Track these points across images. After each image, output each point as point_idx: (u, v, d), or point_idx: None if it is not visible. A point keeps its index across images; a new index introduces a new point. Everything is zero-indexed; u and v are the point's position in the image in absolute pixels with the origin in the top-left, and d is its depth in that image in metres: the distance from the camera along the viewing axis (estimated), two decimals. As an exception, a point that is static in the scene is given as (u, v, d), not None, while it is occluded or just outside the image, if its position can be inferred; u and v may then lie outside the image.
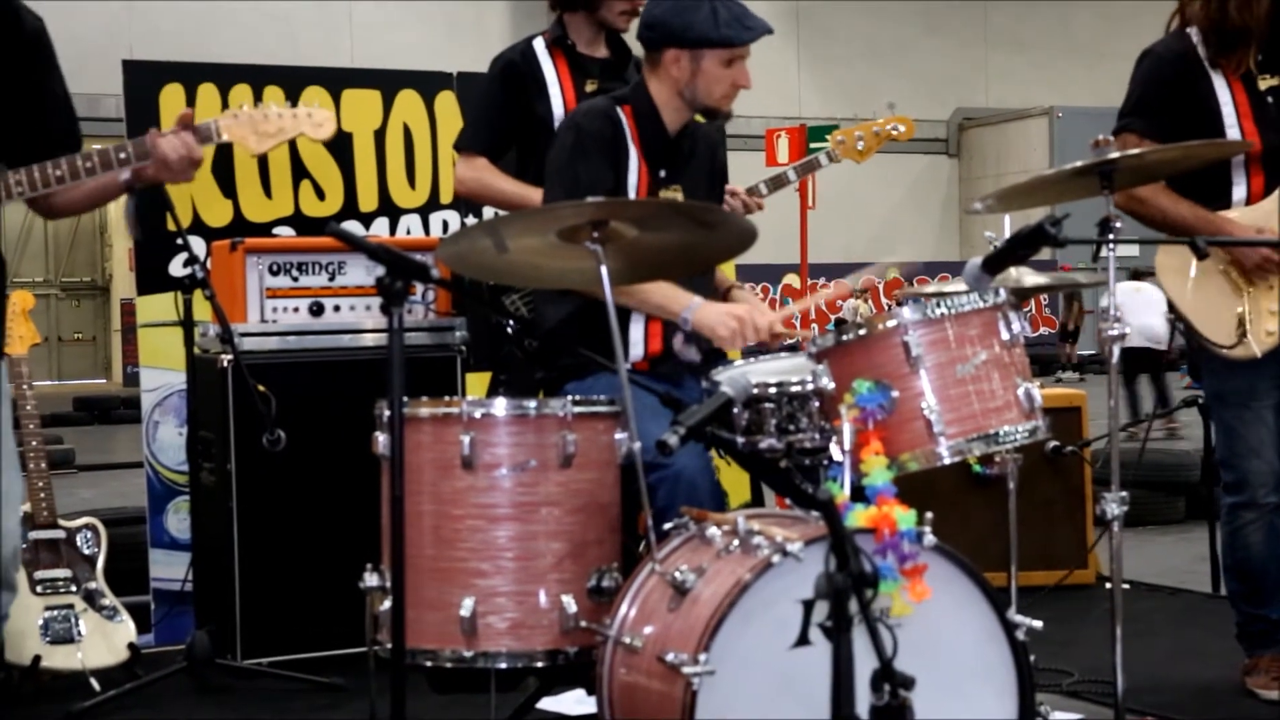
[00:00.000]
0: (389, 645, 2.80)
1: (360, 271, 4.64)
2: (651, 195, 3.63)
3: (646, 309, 3.54)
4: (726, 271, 4.05)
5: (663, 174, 3.68)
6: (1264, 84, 3.92)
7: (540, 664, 2.98)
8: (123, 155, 3.07)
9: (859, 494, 2.77)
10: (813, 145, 12.80)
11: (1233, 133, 3.87)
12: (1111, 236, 3.34)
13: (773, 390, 2.95)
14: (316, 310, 4.62)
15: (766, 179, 4.53)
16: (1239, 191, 3.91)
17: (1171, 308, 4.02)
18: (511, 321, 4.10)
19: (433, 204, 5.37)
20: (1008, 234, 3.37)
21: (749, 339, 3.43)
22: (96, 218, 27.62)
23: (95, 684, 4.19)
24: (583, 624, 2.93)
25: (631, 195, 3.60)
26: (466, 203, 5.22)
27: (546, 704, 3.69)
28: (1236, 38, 3.88)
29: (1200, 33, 3.94)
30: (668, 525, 2.97)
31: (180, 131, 3.12)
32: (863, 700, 2.15)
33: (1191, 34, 3.96)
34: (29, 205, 3.20)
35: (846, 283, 3.71)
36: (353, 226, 5.16)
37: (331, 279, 4.65)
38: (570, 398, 3.03)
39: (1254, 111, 3.89)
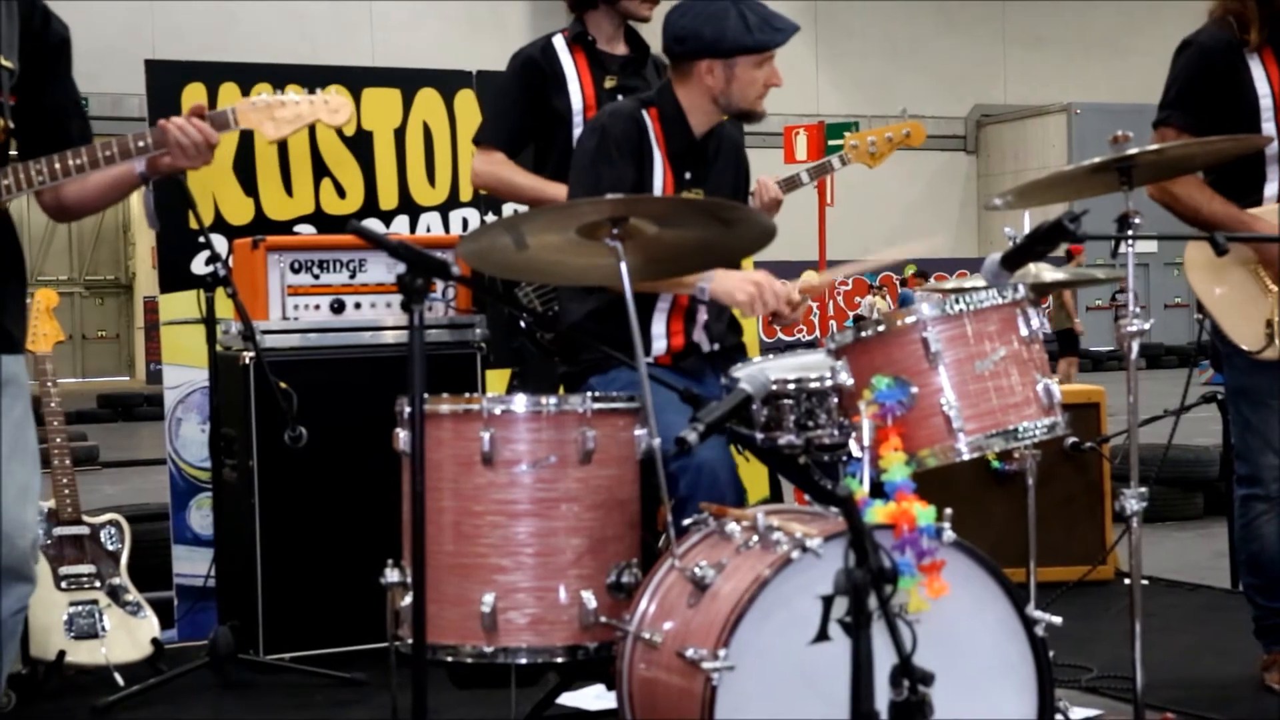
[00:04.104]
0: (410, 641, 2.80)
1: (381, 269, 4.65)
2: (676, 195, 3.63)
3: (665, 287, 3.55)
4: (746, 267, 4.05)
5: (688, 176, 3.68)
6: None
7: (560, 659, 2.97)
8: (141, 144, 3.07)
9: (878, 490, 2.76)
10: (831, 143, 12.78)
11: (1268, 127, 3.84)
12: (1130, 232, 3.32)
13: (792, 386, 2.95)
14: (337, 308, 4.63)
15: (779, 180, 4.52)
16: (1271, 188, 3.88)
17: (1199, 305, 4.00)
18: (524, 314, 4.11)
19: (452, 202, 5.38)
20: (1027, 230, 3.36)
21: (769, 303, 3.43)
22: (119, 216, 27.71)
23: (119, 679, 4.20)
24: (602, 619, 2.93)
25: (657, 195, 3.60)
26: (486, 200, 5.23)
27: (566, 699, 3.70)
28: (1246, 20, 3.85)
29: (1235, 18, 3.90)
30: (687, 521, 2.97)
31: (192, 118, 3.11)
32: (882, 696, 2.14)
33: (1232, 20, 3.91)
34: (42, 207, 3.19)
35: (859, 269, 3.68)
36: (373, 224, 5.17)
37: (352, 276, 4.66)
38: (589, 394, 3.03)
39: None
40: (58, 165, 3.02)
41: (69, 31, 3.16)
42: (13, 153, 3.03)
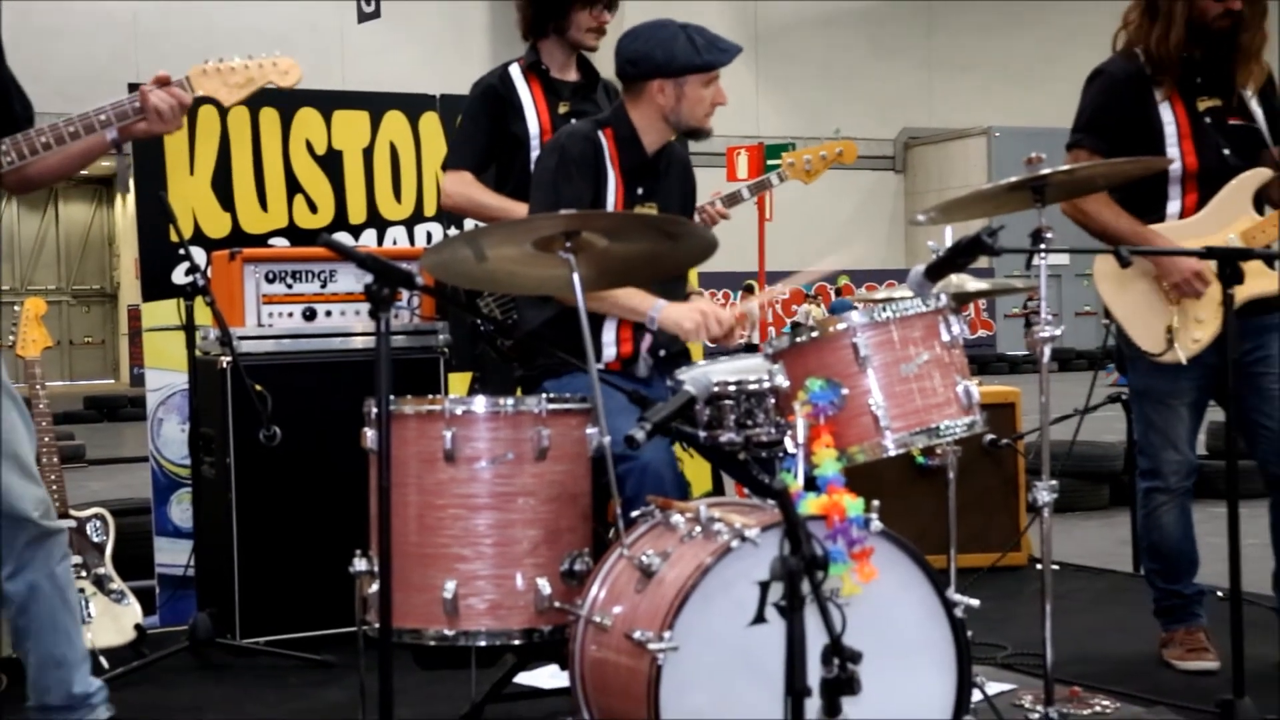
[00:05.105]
0: (377, 625, 2.79)
1: (350, 279, 4.63)
2: (629, 210, 3.63)
3: (617, 311, 3.55)
4: (690, 278, 4.05)
5: (640, 191, 3.68)
6: (1203, 105, 3.93)
7: (517, 642, 2.97)
8: (102, 118, 3.05)
9: (811, 483, 2.77)
10: (770, 162, 12.81)
11: (1172, 151, 3.88)
12: (1043, 246, 3.35)
13: (732, 388, 2.96)
14: (309, 315, 4.60)
15: (722, 196, 4.53)
16: (1173, 206, 3.92)
17: (1106, 312, 4.04)
18: (485, 322, 4.11)
19: (417, 216, 5.36)
20: (948, 244, 3.38)
21: (713, 330, 3.44)
22: (105, 230, 27.43)
23: (104, 662, 4.16)
24: (556, 604, 2.93)
25: (610, 210, 3.60)
26: (449, 215, 5.22)
27: (523, 678, 3.69)
28: (1160, 65, 3.90)
29: (1143, 53, 3.95)
30: (635, 513, 2.98)
31: (166, 88, 3.11)
32: (814, 673, 2.15)
33: (1139, 54, 3.96)
34: (4, 184, 3.14)
35: (795, 282, 3.69)
36: (343, 237, 5.15)
37: (323, 286, 4.64)
38: (544, 395, 3.03)
39: (1193, 132, 3.90)
40: (24, 146, 2.99)
41: None
42: None
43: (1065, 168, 3.47)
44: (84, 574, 4.32)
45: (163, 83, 3.11)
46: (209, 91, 3.18)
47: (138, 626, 4.35)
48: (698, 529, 2.74)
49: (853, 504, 2.64)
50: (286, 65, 3.26)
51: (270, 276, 4.57)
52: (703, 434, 2.97)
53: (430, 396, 3.02)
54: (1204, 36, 3.87)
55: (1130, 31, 3.97)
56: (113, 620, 4.31)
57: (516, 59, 4.39)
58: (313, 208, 5.21)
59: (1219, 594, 4.21)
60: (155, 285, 5.03)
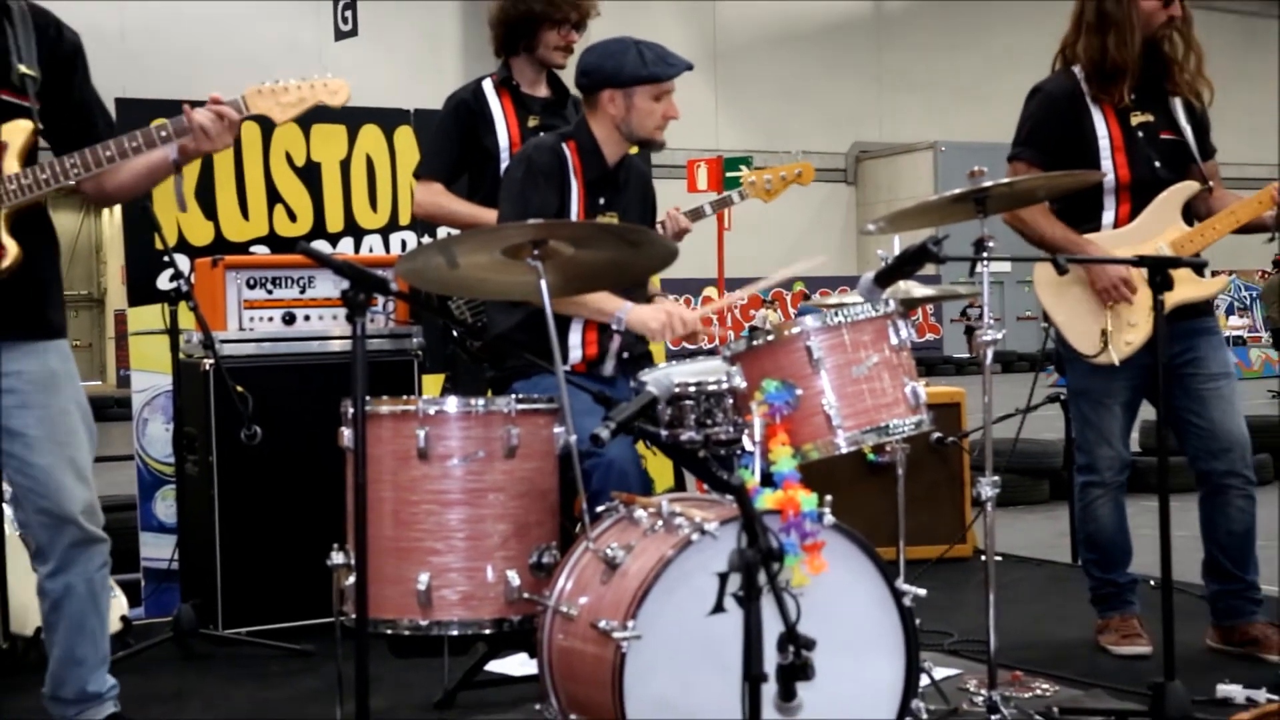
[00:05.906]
0: (353, 616, 2.78)
1: (328, 285, 4.61)
2: (590, 219, 3.64)
3: (585, 313, 3.55)
4: (654, 283, 4.05)
5: (601, 201, 3.68)
6: (1135, 120, 3.96)
7: (488, 631, 2.97)
8: (164, 133, 3.05)
9: (767, 480, 2.77)
10: (728, 175, 12.82)
11: (1106, 164, 3.92)
12: (985, 254, 3.37)
13: (692, 389, 2.96)
14: (289, 320, 4.58)
15: (685, 211, 4.53)
16: (1108, 216, 3.96)
17: (1045, 317, 4.07)
18: (457, 326, 4.10)
19: (392, 225, 5.34)
20: (897, 252, 3.39)
21: (678, 330, 3.44)
22: (92, 238, 27.23)
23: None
24: (525, 595, 2.92)
25: (573, 219, 3.60)
26: (423, 224, 5.20)
27: (494, 666, 3.69)
28: (1114, 74, 3.92)
29: (1083, 71, 3.98)
30: (600, 508, 2.98)
31: (213, 105, 3.10)
32: (770, 660, 2.16)
33: (1076, 72, 3.99)
34: (86, 195, 3.16)
35: (754, 290, 3.70)
36: (321, 245, 5.13)
37: (302, 292, 4.62)
38: (514, 396, 3.03)
39: (1126, 145, 3.93)
40: (90, 158, 3.01)
41: (80, 38, 3.16)
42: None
43: (1006, 180, 3.49)
44: (71, 568, 4.28)
45: (215, 103, 3.09)
46: (262, 110, 3.17)
47: (124, 618, 4.31)
48: (660, 523, 2.75)
49: (807, 499, 2.65)
50: (336, 86, 3.27)
51: (251, 282, 4.55)
52: (664, 432, 2.97)
53: (405, 397, 3.01)
54: (1143, 46, 3.91)
55: (1076, 49, 3.99)
56: (99, 612, 4.27)
57: (490, 74, 4.39)
58: (292, 217, 5.18)
59: (1151, 583, 4.25)
60: (141, 291, 4.99)
